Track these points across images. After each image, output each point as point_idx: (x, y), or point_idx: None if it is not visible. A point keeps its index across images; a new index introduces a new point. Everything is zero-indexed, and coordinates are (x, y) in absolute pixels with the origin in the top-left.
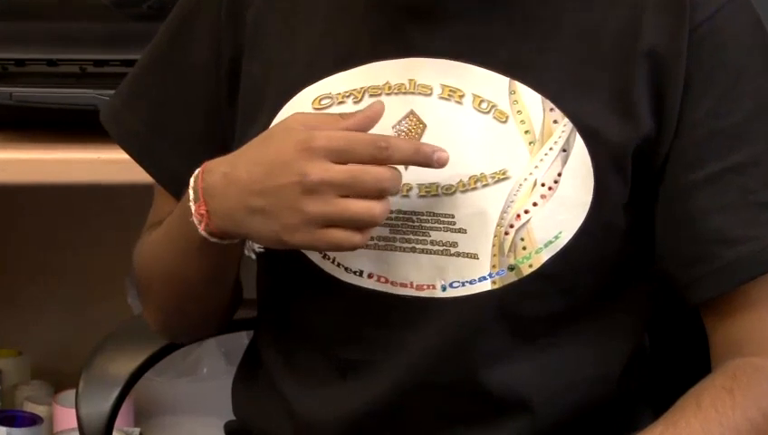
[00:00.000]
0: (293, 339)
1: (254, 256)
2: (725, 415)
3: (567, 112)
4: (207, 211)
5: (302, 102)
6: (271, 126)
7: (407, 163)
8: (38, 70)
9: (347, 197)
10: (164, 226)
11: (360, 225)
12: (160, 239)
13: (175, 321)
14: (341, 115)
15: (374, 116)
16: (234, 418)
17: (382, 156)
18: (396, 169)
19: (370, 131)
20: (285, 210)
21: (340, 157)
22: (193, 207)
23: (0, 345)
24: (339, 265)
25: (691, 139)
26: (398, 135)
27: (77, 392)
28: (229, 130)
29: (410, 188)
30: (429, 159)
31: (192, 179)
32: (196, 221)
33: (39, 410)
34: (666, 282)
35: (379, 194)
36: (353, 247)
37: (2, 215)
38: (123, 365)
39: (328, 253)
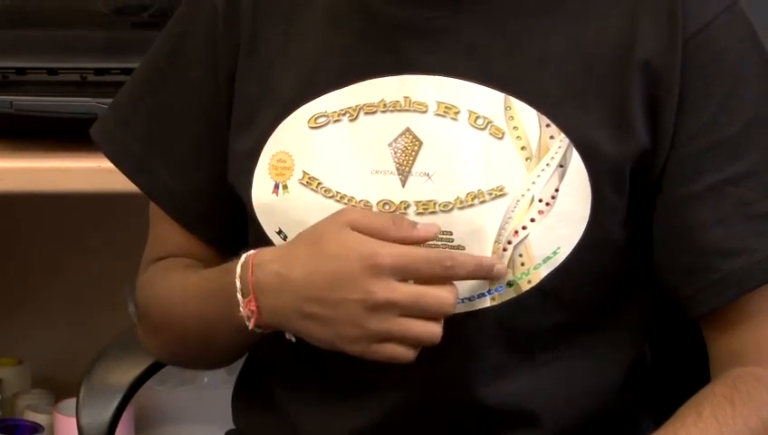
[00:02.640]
0: (293, 356)
1: (293, 340)
2: (726, 424)
3: (563, 128)
4: (258, 308)
5: (298, 120)
6: (320, 222)
7: (469, 279)
8: (38, 78)
9: (407, 316)
10: (193, 292)
11: (419, 344)
12: (186, 300)
13: (183, 360)
14: (394, 221)
15: (430, 237)
16: (234, 427)
17: (447, 274)
18: (455, 286)
19: (366, 143)
20: (345, 323)
21: (405, 275)
22: (242, 302)
23: (1, 354)
24: None
25: (688, 150)
26: (395, 152)
27: (78, 401)
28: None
29: (408, 206)
30: (490, 273)
31: (239, 268)
32: (244, 316)
33: (40, 418)
34: (665, 293)
35: (442, 316)
36: (406, 362)
37: (2, 224)
38: (124, 374)
39: None
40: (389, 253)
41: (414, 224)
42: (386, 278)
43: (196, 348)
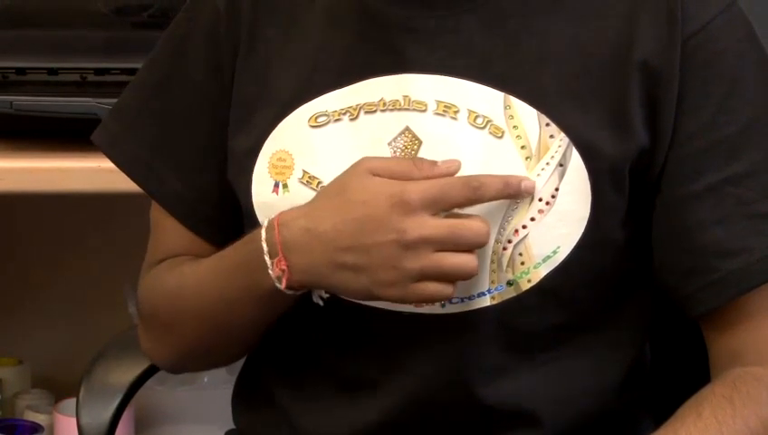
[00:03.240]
0: (293, 355)
1: (321, 303)
2: (726, 424)
3: (563, 127)
4: (288, 266)
5: (298, 120)
6: (341, 174)
7: (498, 198)
8: (38, 78)
9: (442, 250)
10: (207, 271)
11: (456, 278)
12: (202, 284)
13: (191, 360)
14: (414, 163)
15: (452, 172)
16: (234, 427)
17: (476, 196)
18: (485, 220)
19: (366, 142)
20: (381, 267)
21: (436, 206)
22: (271, 263)
23: (1, 354)
24: None
25: (687, 151)
26: (394, 152)
27: (77, 401)
28: None
29: None
30: (518, 190)
31: (264, 232)
32: (274, 276)
33: (40, 418)
34: (665, 293)
35: (477, 247)
36: (445, 299)
37: (2, 224)
38: (124, 374)
39: None
40: (416, 188)
41: (434, 162)
42: (417, 214)
43: (209, 339)
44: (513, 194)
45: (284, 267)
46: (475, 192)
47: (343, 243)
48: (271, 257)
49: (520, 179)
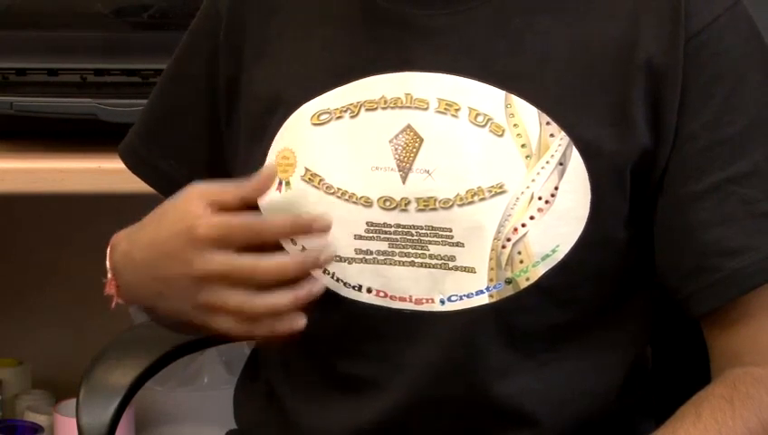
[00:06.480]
0: (293, 352)
1: None
2: (725, 425)
3: (563, 126)
4: (118, 287)
5: (300, 118)
6: (173, 198)
7: (284, 237)
8: (38, 79)
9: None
10: None
11: (242, 316)
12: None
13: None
14: (237, 186)
15: (268, 180)
16: (234, 428)
17: (257, 240)
18: (296, 256)
19: (366, 140)
20: (178, 298)
21: (221, 244)
22: (106, 282)
23: (1, 355)
24: (338, 279)
25: (690, 150)
26: (395, 149)
27: (77, 402)
28: (227, 147)
29: (408, 202)
30: (308, 229)
31: (109, 249)
32: (109, 293)
33: (40, 419)
34: (666, 293)
35: (253, 284)
36: (234, 336)
37: (2, 224)
38: (124, 375)
39: (327, 268)
40: (206, 223)
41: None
42: (204, 250)
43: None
44: (303, 233)
45: (113, 289)
46: (256, 236)
47: (150, 272)
48: (110, 277)
49: (312, 219)
